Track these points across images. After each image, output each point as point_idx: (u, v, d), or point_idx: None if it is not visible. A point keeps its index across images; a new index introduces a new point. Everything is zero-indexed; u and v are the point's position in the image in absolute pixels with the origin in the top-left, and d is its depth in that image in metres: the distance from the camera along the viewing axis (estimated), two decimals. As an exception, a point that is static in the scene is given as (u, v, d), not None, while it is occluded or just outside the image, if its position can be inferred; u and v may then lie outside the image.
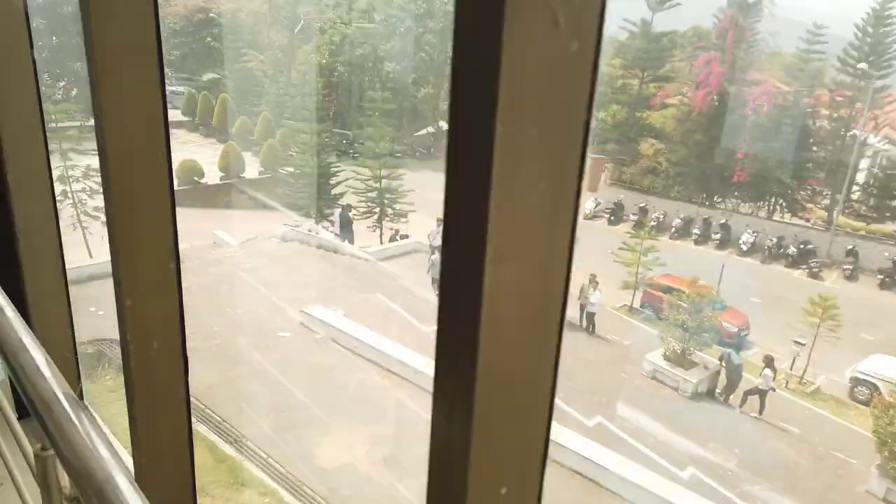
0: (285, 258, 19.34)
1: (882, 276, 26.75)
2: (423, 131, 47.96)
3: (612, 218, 33.00)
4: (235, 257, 18.85)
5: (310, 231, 23.78)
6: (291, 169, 27.03)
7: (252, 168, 30.66)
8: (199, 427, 10.66)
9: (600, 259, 27.13)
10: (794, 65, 31.95)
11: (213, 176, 29.33)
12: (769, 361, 15.28)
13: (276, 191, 28.41)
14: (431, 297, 18.38)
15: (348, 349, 13.70)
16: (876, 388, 17.96)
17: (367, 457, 10.42)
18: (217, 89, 39.00)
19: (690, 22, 48.55)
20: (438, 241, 20.13)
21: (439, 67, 42.62)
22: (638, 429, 12.79)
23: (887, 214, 29.66)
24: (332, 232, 23.52)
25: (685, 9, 35.95)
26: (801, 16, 40.66)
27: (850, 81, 29.56)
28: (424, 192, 32.87)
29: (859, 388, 18.29)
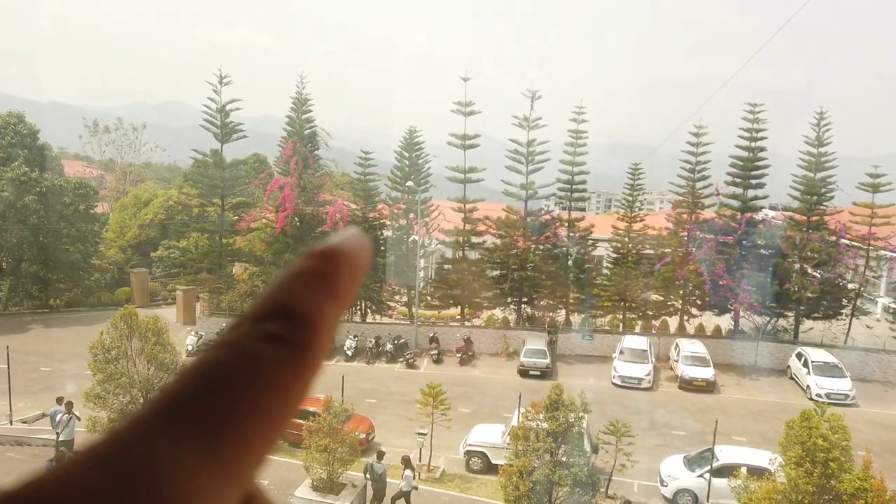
0: None
1: (460, 354, 31.55)
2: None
3: (218, 350, 31.40)
4: None
5: None
6: None
7: None
8: None
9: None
10: (356, 185, 36.39)
11: None
12: (406, 462, 16.17)
13: None
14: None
15: None
16: (484, 455, 20.70)
17: None
18: None
19: (250, 150, 51.53)
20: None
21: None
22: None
23: (451, 301, 35.47)
24: None
25: (249, 140, 37.88)
26: (351, 145, 47.15)
27: (402, 196, 34.98)
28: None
29: (473, 459, 20.79)
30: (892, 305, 31.75)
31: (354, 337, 32.25)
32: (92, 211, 41.00)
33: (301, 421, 19.70)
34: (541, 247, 33.73)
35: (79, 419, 17.72)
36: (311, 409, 19.67)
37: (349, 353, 31.46)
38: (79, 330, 31.51)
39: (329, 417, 15.61)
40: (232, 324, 0.40)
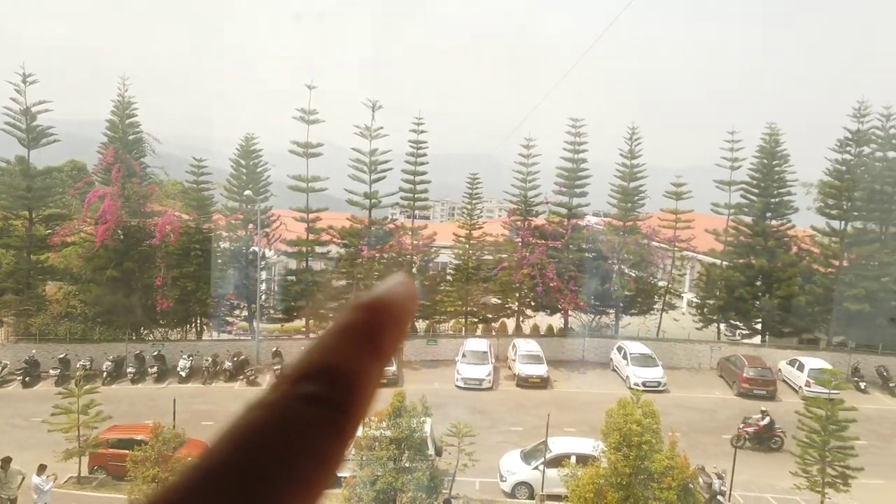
0: None
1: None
2: None
3: (27, 379, 28.09)
4: None
5: None
6: None
7: None
8: None
9: (25, 433, 22.63)
10: (188, 195, 34.31)
11: None
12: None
13: None
14: None
15: None
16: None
17: None
18: None
19: (67, 157, 46.74)
20: None
21: None
22: None
23: (295, 314, 34.59)
24: None
25: (64, 144, 34.35)
26: (184, 152, 44.31)
27: (240, 206, 33.51)
28: None
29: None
30: (695, 300, 35.86)
31: (189, 356, 30.36)
32: None
33: (125, 451, 18.20)
34: (385, 255, 33.99)
35: None
36: (138, 437, 18.24)
37: (183, 373, 29.55)
38: None
39: (158, 445, 14.57)
40: (273, 383, 0.39)
